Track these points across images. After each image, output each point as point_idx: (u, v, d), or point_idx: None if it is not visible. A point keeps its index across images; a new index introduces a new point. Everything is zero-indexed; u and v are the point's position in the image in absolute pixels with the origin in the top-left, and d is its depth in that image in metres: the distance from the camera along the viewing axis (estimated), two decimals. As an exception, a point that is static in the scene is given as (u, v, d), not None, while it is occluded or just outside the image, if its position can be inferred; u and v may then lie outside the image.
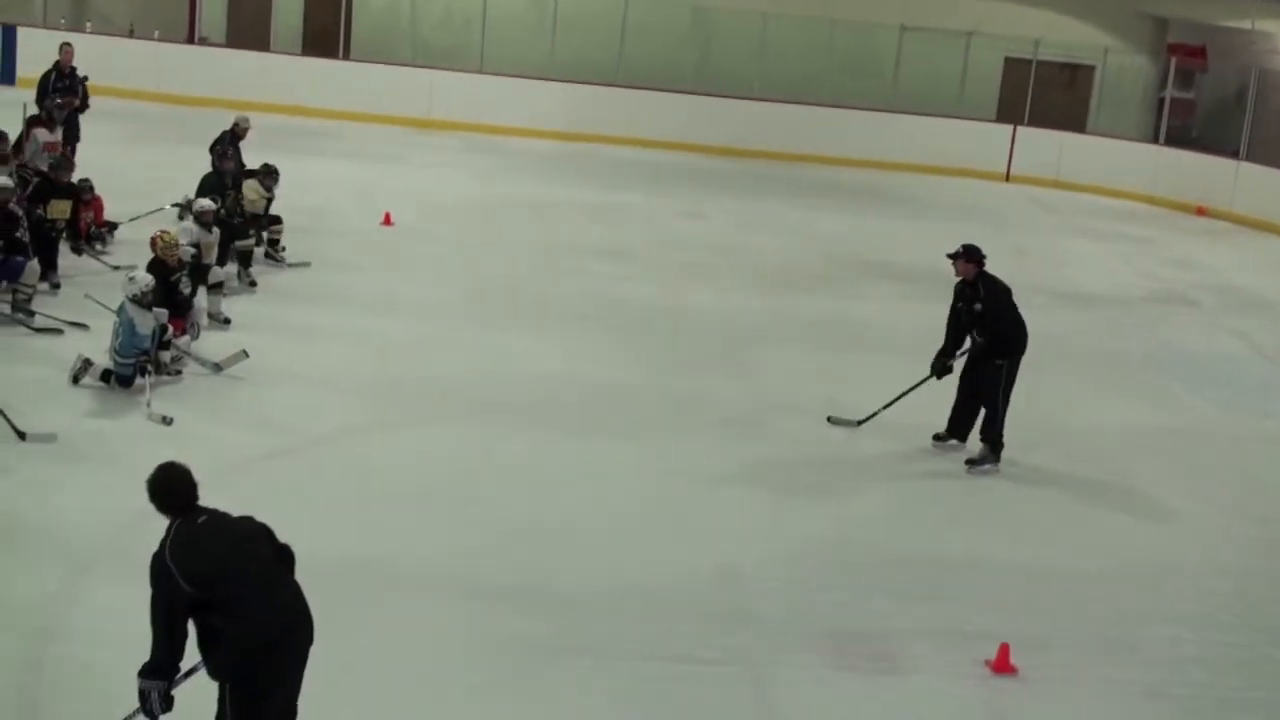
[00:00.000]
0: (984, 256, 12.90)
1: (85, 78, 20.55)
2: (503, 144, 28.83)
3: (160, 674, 6.66)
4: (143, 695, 6.71)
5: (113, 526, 9.89)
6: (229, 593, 6.56)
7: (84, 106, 20.19)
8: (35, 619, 8.73)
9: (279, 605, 6.71)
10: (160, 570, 6.59)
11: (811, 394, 14.61)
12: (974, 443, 13.14)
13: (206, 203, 15.75)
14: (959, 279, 13.02)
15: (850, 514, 11.73)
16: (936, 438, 13.39)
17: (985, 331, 12.82)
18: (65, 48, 20.51)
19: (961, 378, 13.22)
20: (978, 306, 12.82)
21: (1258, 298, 21.92)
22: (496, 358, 14.78)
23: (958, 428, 13.31)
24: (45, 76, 20.31)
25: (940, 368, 13.17)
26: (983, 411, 13.02)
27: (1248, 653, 10.05)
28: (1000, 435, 12.96)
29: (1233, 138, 29.42)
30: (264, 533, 6.98)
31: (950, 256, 13.00)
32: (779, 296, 18.73)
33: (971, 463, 13.00)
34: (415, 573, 9.85)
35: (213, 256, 15.39)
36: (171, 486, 6.84)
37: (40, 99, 19.76)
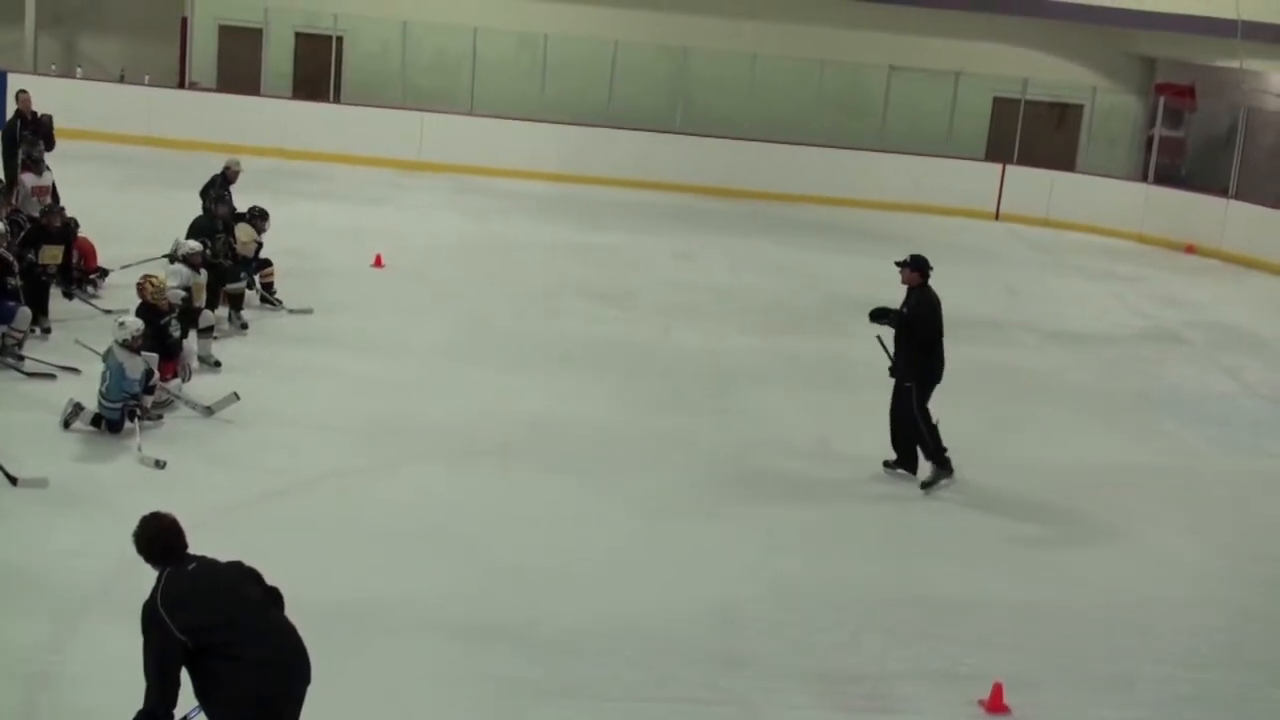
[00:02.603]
0: (930, 269, 13.32)
1: (49, 116, 20.55)
2: (493, 185, 28.87)
3: None
4: None
5: (106, 571, 9.87)
6: (224, 639, 6.53)
7: (49, 146, 20.17)
8: (28, 665, 8.71)
9: (275, 649, 6.68)
10: (152, 620, 6.55)
11: (803, 433, 14.64)
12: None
13: (194, 244, 15.75)
14: (905, 285, 13.38)
15: (842, 553, 11.72)
16: (887, 464, 13.54)
17: (904, 338, 13.23)
18: (21, 95, 20.64)
19: (891, 408, 13.45)
20: (904, 310, 13.19)
21: (1248, 335, 21.94)
22: (488, 398, 14.78)
23: (902, 457, 13.51)
24: (11, 125, 20.35)
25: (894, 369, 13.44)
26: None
27: (1243, 691, 10.04)
28: (940, 451, 13.25)
29: (1222, 176, 29.50)
30: (253, 576, 6.97)
31: (898, 264, 13.37)
32: (770, 336, 18.74)
33: (925, 485, 13.23)
34: (406, 614, 9.83)
35: (202, 299, 15.38)
36: (159, 537, 6.80)
37: (9, 147, 19.82)
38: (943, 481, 13.26)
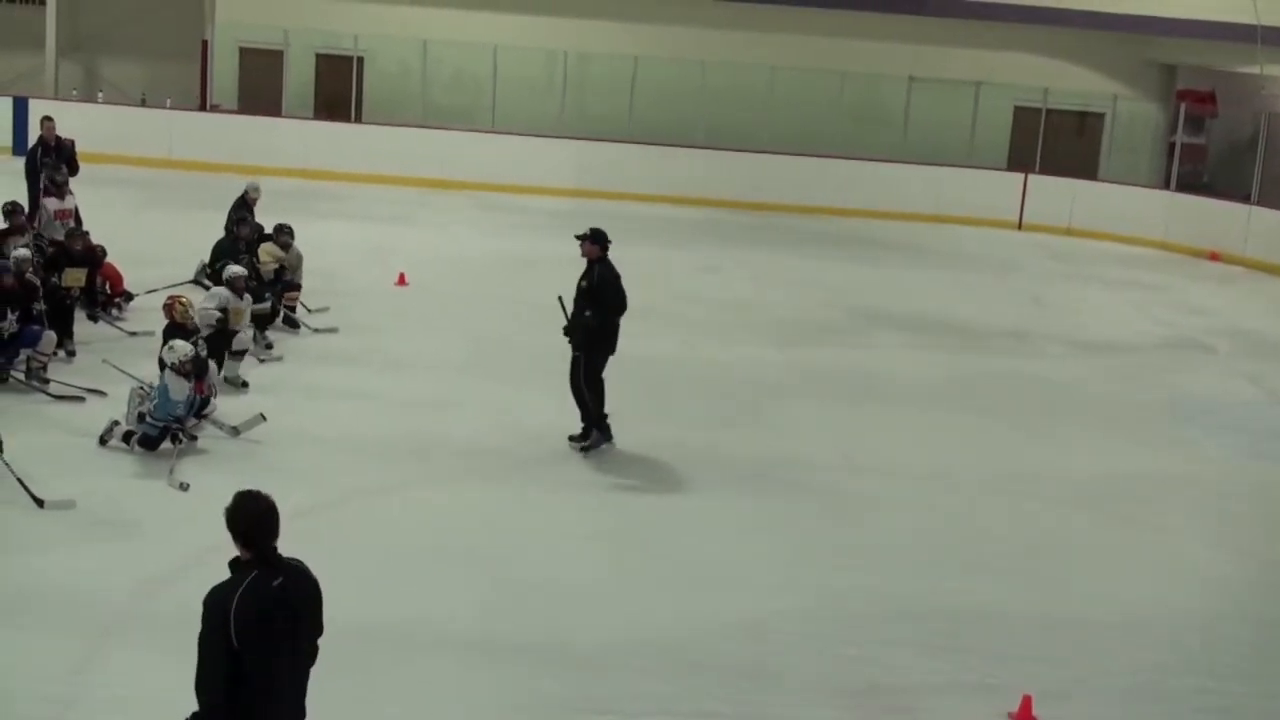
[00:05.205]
0: (609, 243, 13.90)
1: (71, 141, 20.60)
2: (515, 202, 28.93)
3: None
4: None
5: (131, 593, 9.93)
6: (259, 670, 6.30)
7: (73, 170, 20.18)
8: (54, 687, 8.72)
9: (290, 703, 6.53)
10: (219, 615, 6.26)
11: (828, 446, 14.63)
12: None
13: (239, 269, 15.78)
14: (584, 258, 13.94)
15: (868, 566, 11.67)
16: (572, 438, 13.95)
17: (593, 309, 13.74)
18: (46, 122, 20.66)
19: (570, 378, 14.01)
20: (584, 284, 13.80)
21: (1273, 342, 21.86)
22: (513, 415, 14.79)
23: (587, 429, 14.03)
24: (32, 152, 20.44)
25: (569, 329, 13.96)
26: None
27: (1270, 703, 9.99)
28: (599, 418, 13.92)
29: (1244, 182, 29.45)
30: (318, 611, 6.71)
31: (578, 237, 13.95)
32: (793, 349, 18.73)
33: (585, 449, 13.84)
34: (431, 632, 9.84)
35: (240, 323, 15.40)
36: (256, 520, 6.46)
37: (31, 174, 19.89)
38: (603, 445, 13.85)
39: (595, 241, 13.86)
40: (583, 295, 13.79)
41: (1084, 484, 14.20)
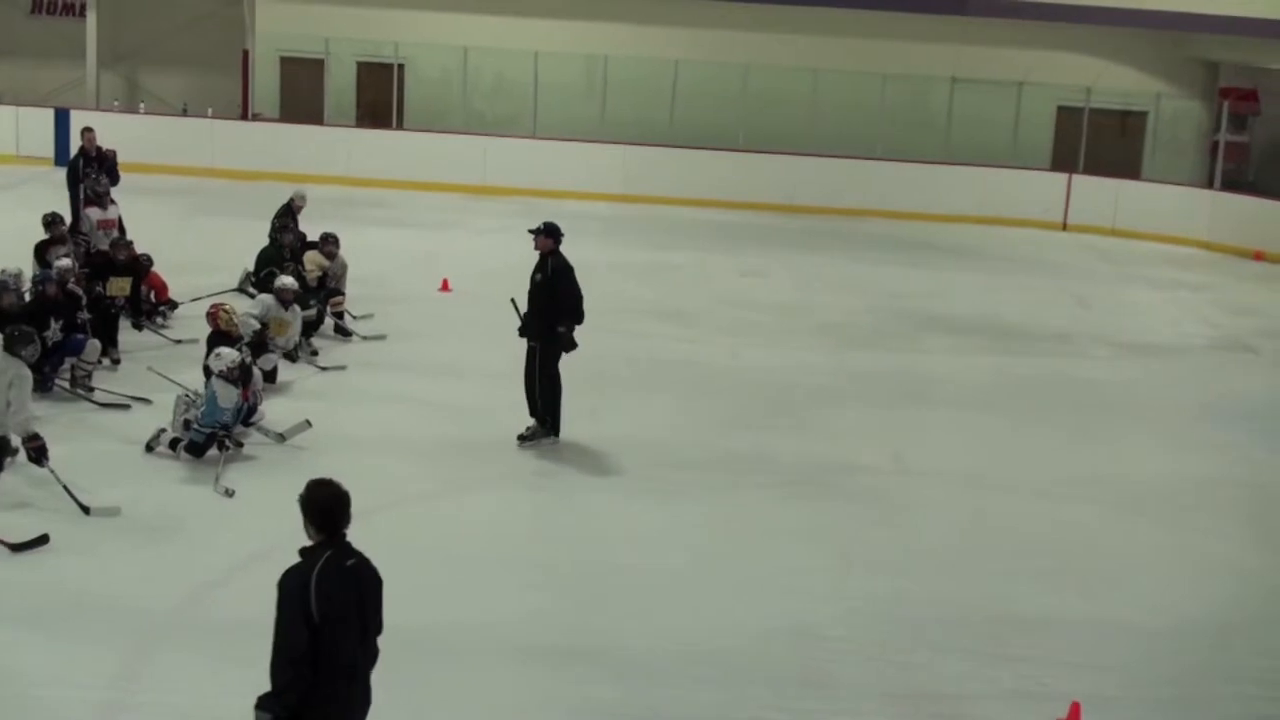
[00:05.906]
0: (562, 236, 14.03)
1: (113, 151, 20.67)
2: (558, 207, 28.74)
3: (283, 703, 6.44)
4: None
5: (176, 599, 9.96)
6: (330, 650, 6.43)
7: (114, 180, 20.23)
8: (101, 693, 8.76)
9: (360, 683, 6.65)
10: (298, 581, 6.45)
11: (875, 450, 14.56)
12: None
13: (289, 281, 15.81)
14: (537, 252, 14.01)
15: (916, 571, 11.62)
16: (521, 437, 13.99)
17: (549, 301, 13.86)
18: (86, 133, 20.74)
19: (525, 372, 14.08)
20: (538, 277, 13.91)
21: (1321, 342, 21.69)
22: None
23: (544, 424, 14.06)
24: (74, 162, 20.53)
25: (524, 330, 14.07)
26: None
27: (1323, 708, 9.91)
28: (544, 416, 13.97)
29: (1288, 180, 29.24)
30: (381, 599, 6.91)
31: (532, 231, 14.04)
32: (838, 352, 18.67)
33: (522, 438, 13.91)
34: (481, 637, 9.84)
35: (284, 335, 15.42)
36: (331, 505, 6.82)
37: (72, 184, 19.96)
38: (543, 441, 13.90)
39: (549, 235, 13.99)
40: (538, 289, 13.91)
41: (1131, 487, 14.08)
